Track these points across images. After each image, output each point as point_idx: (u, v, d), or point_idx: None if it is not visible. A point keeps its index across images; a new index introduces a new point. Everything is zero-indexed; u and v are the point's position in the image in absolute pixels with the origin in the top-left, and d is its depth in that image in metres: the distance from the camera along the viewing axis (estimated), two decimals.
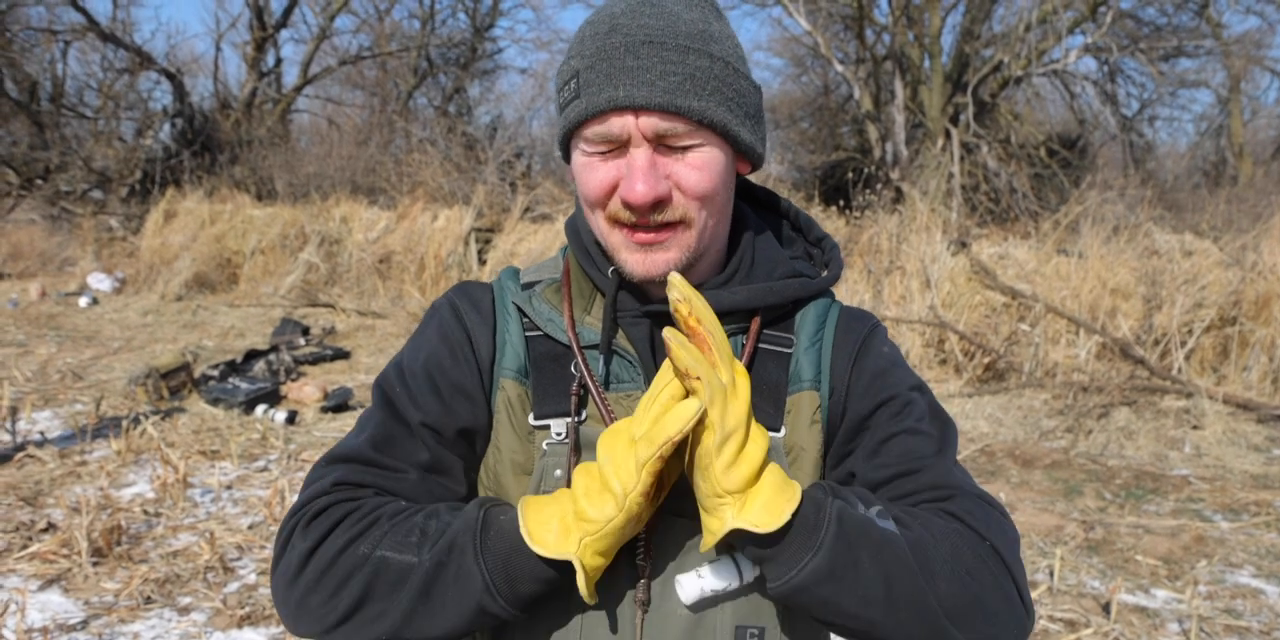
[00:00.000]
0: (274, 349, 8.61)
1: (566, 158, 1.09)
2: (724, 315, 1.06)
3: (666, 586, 1.02)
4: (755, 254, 1.11)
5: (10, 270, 14.13)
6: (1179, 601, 4.09)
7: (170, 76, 19.85)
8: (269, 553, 4.41)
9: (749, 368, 1.06)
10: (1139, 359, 7.44)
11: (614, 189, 0.99)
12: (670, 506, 1.00)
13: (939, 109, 17.24)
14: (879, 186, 13.02)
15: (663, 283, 0.96)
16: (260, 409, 7.01)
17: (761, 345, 1.08)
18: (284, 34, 25.10)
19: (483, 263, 11.27)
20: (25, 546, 4.36)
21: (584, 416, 1.04)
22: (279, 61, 22.96)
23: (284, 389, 7.49)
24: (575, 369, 1.05)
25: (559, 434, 1.03)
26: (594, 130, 0.98)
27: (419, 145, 16.36)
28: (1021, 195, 15.21)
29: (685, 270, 1.02)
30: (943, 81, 17.41)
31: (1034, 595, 4.03)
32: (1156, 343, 7.73)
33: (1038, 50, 16.44)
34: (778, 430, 1.05)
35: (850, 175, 14.81)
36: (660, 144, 0.98)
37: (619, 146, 0.98)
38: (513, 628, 1.04)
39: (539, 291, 1.12)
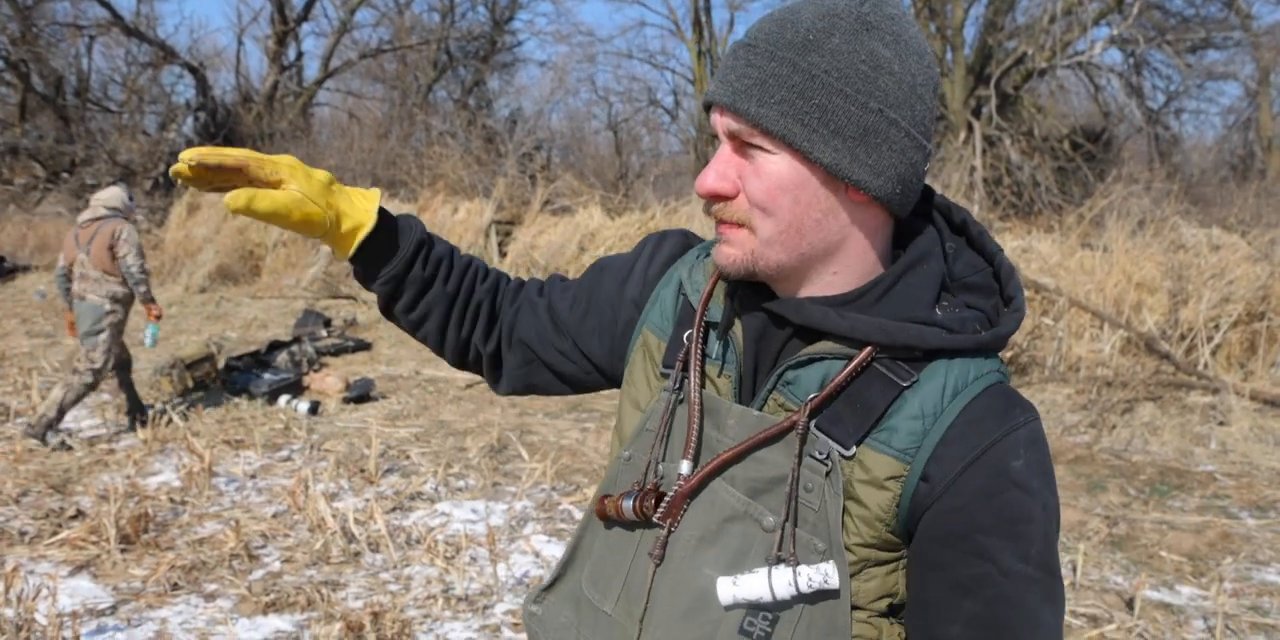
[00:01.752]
0: (296, 340, 8.67)
1: None
2: (817, 333, 1.03)
3: (702, 548, 1.05)
4: (896, 286, 1.03)
5: (38, 262, 14.29)
6: (1204, 598, 4.07)
7: (193, 70, 20.00)
8: (293, 540, 4.45)
9: (848, 382, 1.00)
10: (1164, 354, 7.38)
11: None
12: (715, 475, 1.05)
13: (961, 102, 17.12)
14: None
15: (757, 286, 1.05)
16: (283, 399, 7.06)
17: (875, 365, 1.01)
18: (305, 28, 25.19)
19: (503, 255, 11.30)
20: (55, 533, 4.42)
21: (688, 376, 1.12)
22: (300, 55, 23.09)
23: (306, 380, 7.55)
24: (687, 340, 1.12)
25: (674, 384, 1.12)
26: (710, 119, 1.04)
27: (439, 138, 16.40)
28: (1045, 188, 15.09)
29: (774, 281, 1.05)
30: (965, 74, 17.29)
31: None
32: (1182, 338, 7.66)
33: (1062, 42, 16.29)
34: (848, 449, 0.99)
35: None
36: (741, 145, 1.00)
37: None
38: (590, 543, 1.19)
39: (706, 263, 1.19)
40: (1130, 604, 3.95)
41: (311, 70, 23.57)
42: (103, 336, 5.98)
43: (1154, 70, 19.32)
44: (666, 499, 1.06)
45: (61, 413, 5.89)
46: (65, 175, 19.03)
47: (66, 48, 20.79)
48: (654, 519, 1.07)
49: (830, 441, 1.00)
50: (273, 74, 21.53)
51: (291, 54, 22.55)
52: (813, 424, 1.00)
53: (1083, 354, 7.65)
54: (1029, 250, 8.94)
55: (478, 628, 3.62)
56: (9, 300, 12.27)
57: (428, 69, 22.51)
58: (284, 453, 5.93)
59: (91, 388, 6.00)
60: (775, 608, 1.01)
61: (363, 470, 5.50)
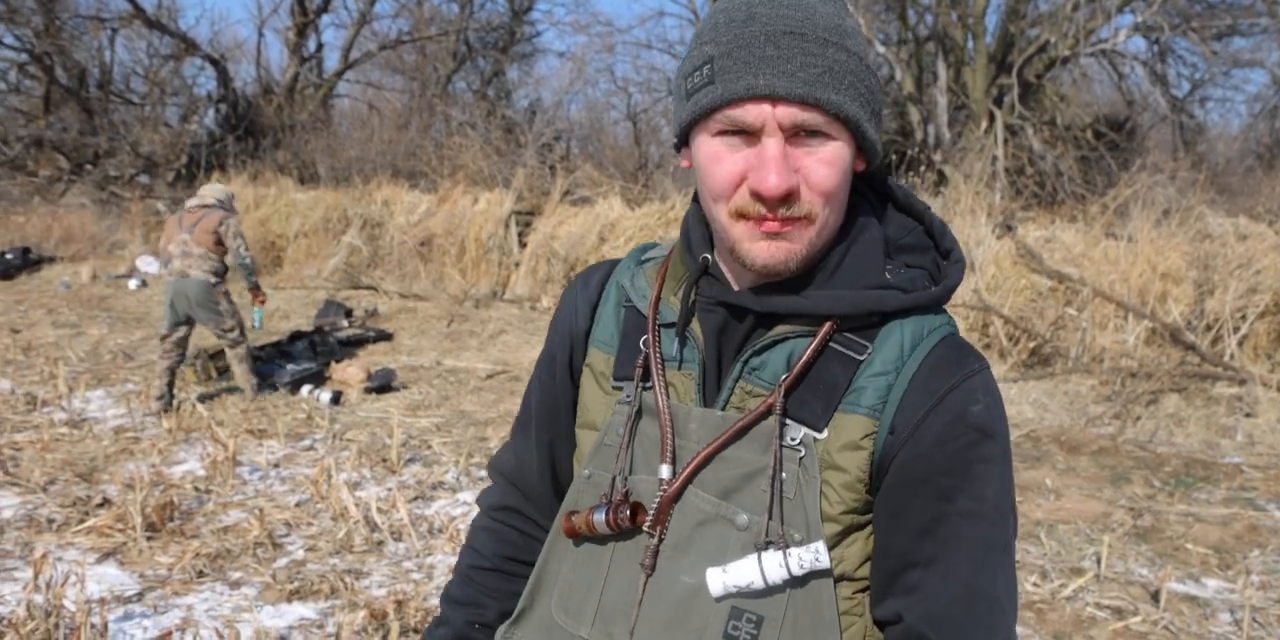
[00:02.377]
0: (318, 330, 8.72)
1: (678, 147, 1.09)
2: (793, 318, 1.04)
3: (677, 557, 1.06)
4: (848, 257, 1.05)
5: (63, 253, 14.41)
6: (1231, 591, 4.03)
7: (214, 62, 20.09)
8: (316, 529, 4.48)
9: (809, 366, 1.02)
10: (1190, 345, 7.31)
11: (741, 181, 0.98)
12: (693, 478, 1.05)
13: (983, 90, 16.96)
14: (922, 169, 12.87)
15: (764, 271, 1.02)
16: (305, 389, 7.11)
17: (832, 345, 1.03)
18: (325, 19, 25.26)
19: (523, 246, 11.31)
20: (83, 520, 4.47)
21: (650, 384, 1.11)
22: (320, 47, 23.15)
23: (328, 370, 7.59)
24: (644, 345, 1.12)
25: (627, 396, 1.12)
26: (726, 115, 0.97)
27: (458, 129, 16.42)
28: (1068, 178, 14.95)
29: (800, 270, 1.05)
30: (986, 62, 17.12)
31: (1080, 583, 4.00)
32: (1208, 328, 7.58)
33: (1085, 30, 16.10)
34: (820, 431, 1.01)
35: (893, 158, 14.64)
36: (793, 136, 0.97)
37: (748, 137, 0.97)
38: (556, 567, 1.17)
39: (645, 269, 1.19)
40: (1155, 596, 3.92)
41: (331, 62, 23.65)
42: (223, 307, 6.56)
43: (1179, 58, 19.08)
44: (653, 506, 1.06)
45: (258, 375, 6.93)
46: (89, 167, 19.18)
47: (89, 40, 20.90)
48: (644, 528, 1.07)
49: (801, 427, 1.01)
50: (293, 66, 21.59)
51: (311, 46, 22.62)
52: (784, 414, 1.02)
53: (1107, 345, 7.59)
54: (1052, 240, 8.86)
55: None
56: (35, 291, 12.38)
57: (447, 60, 22.52)
58: (306, 442, 5.96)
59: (248, 350, 6.86)
60: (765, 595, 1.01)
61: (384, 460, 5.53)
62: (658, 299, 1.13)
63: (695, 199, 1.15)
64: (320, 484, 4.83)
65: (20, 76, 21.19)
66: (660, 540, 1.07)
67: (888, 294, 1.03)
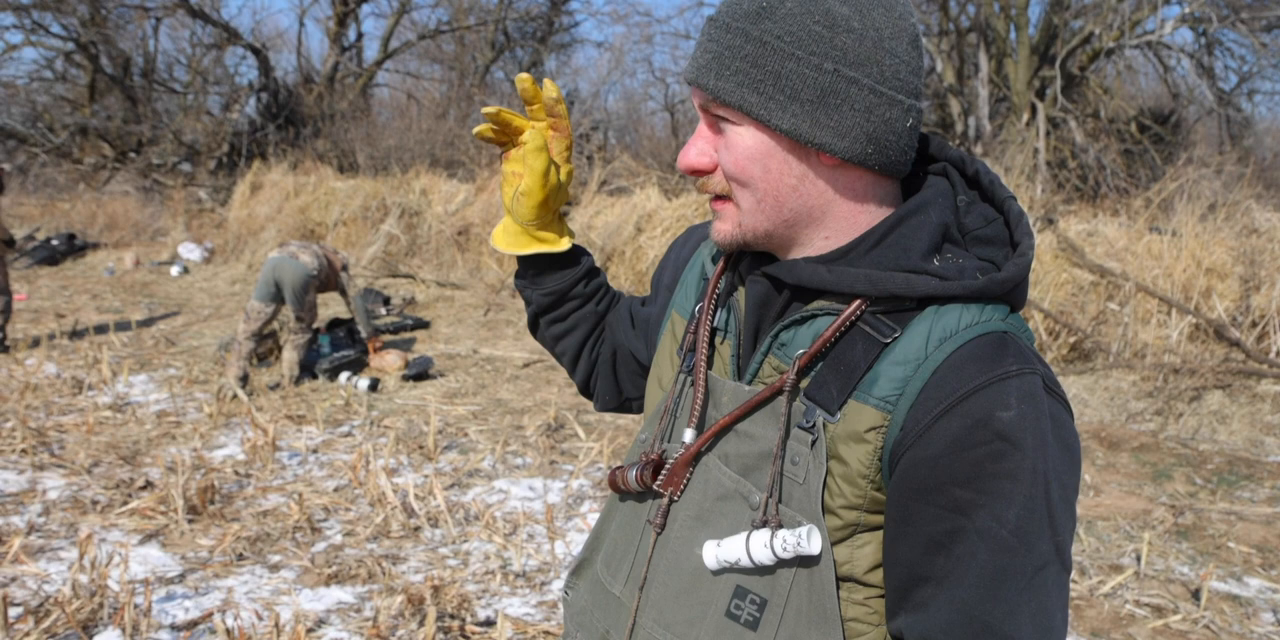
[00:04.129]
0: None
1: None
2: (813, 293, 1.01)
3: (697, 528, 1.06)
4: (888, 238, 0.99)
5: (107, 240, 14.64)
6: (1274, 591, 3.97)
7: (256, 52, 20.27)
8: (354, 514, 4.53)
9: (831, 344, 0.98)
10: (1234, 341, 7.18)
11: None
12: (712, 445, 1.07)
13: (1025, 82, 16.72)
14: None
15: (757, 256, 1.09)
16: (344, 376, 7.18)
17: (860, 324, 0.98)
18: (365, 9, 25.43)
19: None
20: (126, 502, 4.55)
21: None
22: (360, 36, 23.28)
23: (366, 357, 7.65)
24: (698, 312, 1.15)
25: (686, 365, 1.16)
26: None
27: None
28: (1110, 172, 14.72)
29: (770, 250, 1.07)
30: (1029, 54, 16.86)
31: (1119, 580, 3.95)
32: (1254, 325, 7.44)
33: (1131, 21, 15.81)
34: (833, 414, 0.96)
35: None
36: (714, 120, 1.02)
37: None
38: (607, 524, 1.23)
39: None
40: (1196, 595, 3.86)
41: (371, 51, 23.82)
42: (306, 298, 6.92)
43: (1226, 50, 18.65)
44: (666, 467, 1.08)
45: (301, 368, 7.16)
46: (132, 155, 19.46)
47: (134, 29, 21.18)
48: (655, 487, 1.09)
49: (816, 408, 0.98)
50: (333, 55, 21.74)
51: (352, 35, 22.75)
52: (801, 392, 1.00)
53: (1149, 340, 7.47)
54: (1095, 234, 8.73)
55: (535, 603, 3.66)
56: (79, 276, 12.60)
57: (485, 50, 22.56)
58: (344, 428, 6.03)
59: (312, 342, 7.29)
60: (769, 578, 0.99)
61: (421, 447, 5.57)
62: (723, 270, 1.15)
63: None
64: (358, 470, 4.88)
65: (66, 65, 21.56)
66: (671, 501, 1.08)
67: (917, 279, 0.96)
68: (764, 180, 0.99)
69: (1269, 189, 11.72)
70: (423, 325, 9.37)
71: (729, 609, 1.01)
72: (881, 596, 1.00)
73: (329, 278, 7.18)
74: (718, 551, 1.01)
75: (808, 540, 0.94)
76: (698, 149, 1.02)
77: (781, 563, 0.98)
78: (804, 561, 0.97)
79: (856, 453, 0.95)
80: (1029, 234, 1.02)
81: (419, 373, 7.34)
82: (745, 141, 0.98)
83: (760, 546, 0.97)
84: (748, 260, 1.10)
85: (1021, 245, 1.01)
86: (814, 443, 0.97)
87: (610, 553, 1.18)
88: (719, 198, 1.03)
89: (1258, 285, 7.58)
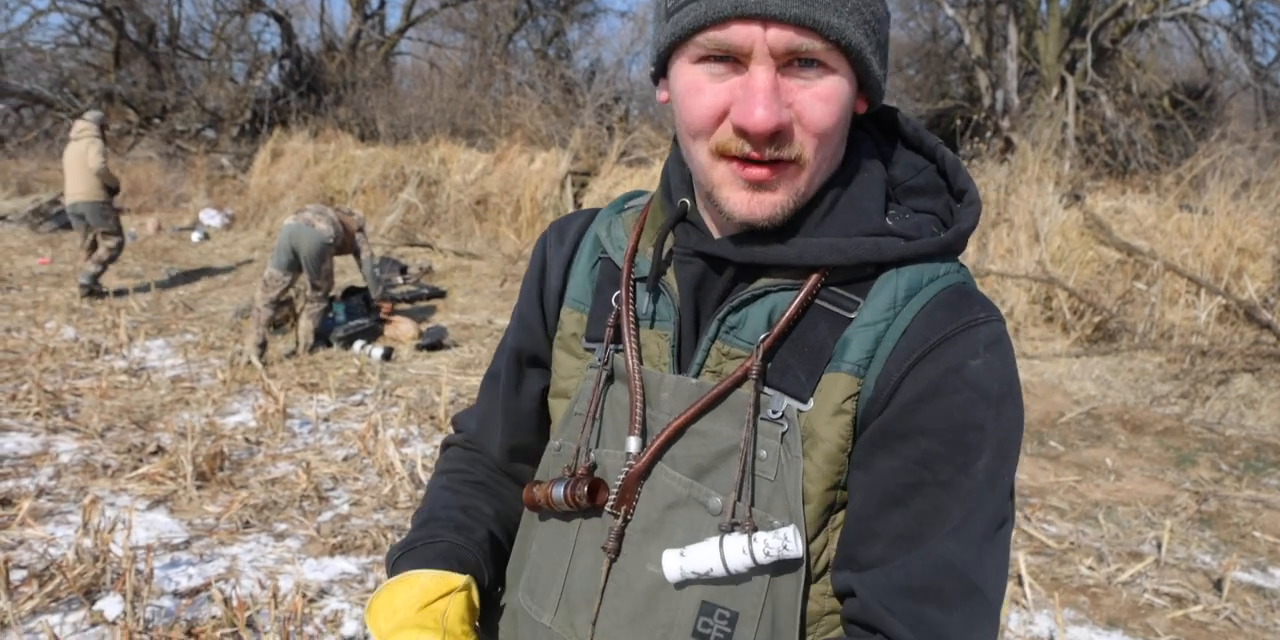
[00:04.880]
0: None
1: (657, 77, 0.96)
2: (775, 269, 0.92)
3: (645, 543, 0.94)
4: (842, 200, 0.92)
5: (130, 205, 14.66)
6: None
7: (279, 19, 20.17)
8: (362, 484, 4.51)
9: (793, 324, 0.90)
10: (1265, 323, 7.02)
11: (723, 115, 0.85)
12: (662, 454, 0.94)
13: (1055, 55, 16.38)
14: (988, 136, 12.50)
15: (743, 224, 0.90)
16: (358, 345, 7.15)
17: (818, 301, 0.91)
18: None
19: (578, 206, 11.23)
20: (136, 467, 4.54)
21: (621, 346, 0.99)
22: (383, 4, 23.15)
23: (381, 326, 7.62)
24: (616, 301, 1.01)
25: (599, 359, 1.01)
26: (710, 37, 0.83)
27: (518, 88, 16.31)
28: (1141, 147, 14.43)
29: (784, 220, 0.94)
30: (1060, 26, 16.51)
31: (1139, 568, 3.86)
32: None
33: None
34: (805, 401, 0.89)
35: (958, 123, 14.24)
36: (786, 65, 0.84)
37: (734, 64, 0.84)
38: (526, 546, 1.08)
39: (624, 217, 1.07)
40: (1219, 585, 3.77)
41: (394, 19, 23.65)
42: (324, 267, 6.93)
43: (1265, 23, 18.20)
44: (618, 483, 0.95)
45: (316, 336, 7.10)
46: (156, 121, 19.47)
47: None
48: (607, 509, 0.96)
49: (784, 396, 0.89)
50: (355, 23, 21.61)
51: (374, 3, 22.60)
52: (762, 382, 0.90)
53: (1177, 321, 7.32)
54: (1122, 211, 8.55)
55: None
56: None
57: (508, 18, 22.35)
58: (357, 397, 6.00)
59: (327, 310, 7.26)
60: (738, 587, 0.89)
61: (433, 417, 5.54)
62: (634, 250, 1.01)
63: (676, 141, 1.03)
64: (368, 439, 4.85)
65: (92, 31, 21.54)
66: (625, 521, 0.96)
67: (885, 242, 0.89)
68: (840, 135, 0.89)
69: None
70: (439, 294, 9.34)
71: (695, 628, 0.90)
72: None
73: (345, 242, 7.15)
74: (682, 562, 0.89)
75: (793, 542, 0.86)
76: (777, 104, 0.82)
77: (756, 569, 0.88)
78: (780, 566, 0.88)
79: (835, 426, 0.88)
80: (970, 180, 0.96)
81: (433, 342, 7.30)
82: (844, 91, 0.86)
83: (737, 553, 0.87)
84: (676, 237, 0.97)
85: (969, 193, 0.96)
86: (784, 435, 0.89)
87: (533, 578, 1.04)
88: (774, 164, 0.86)
89: None
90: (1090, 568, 3.90)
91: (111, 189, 8.90)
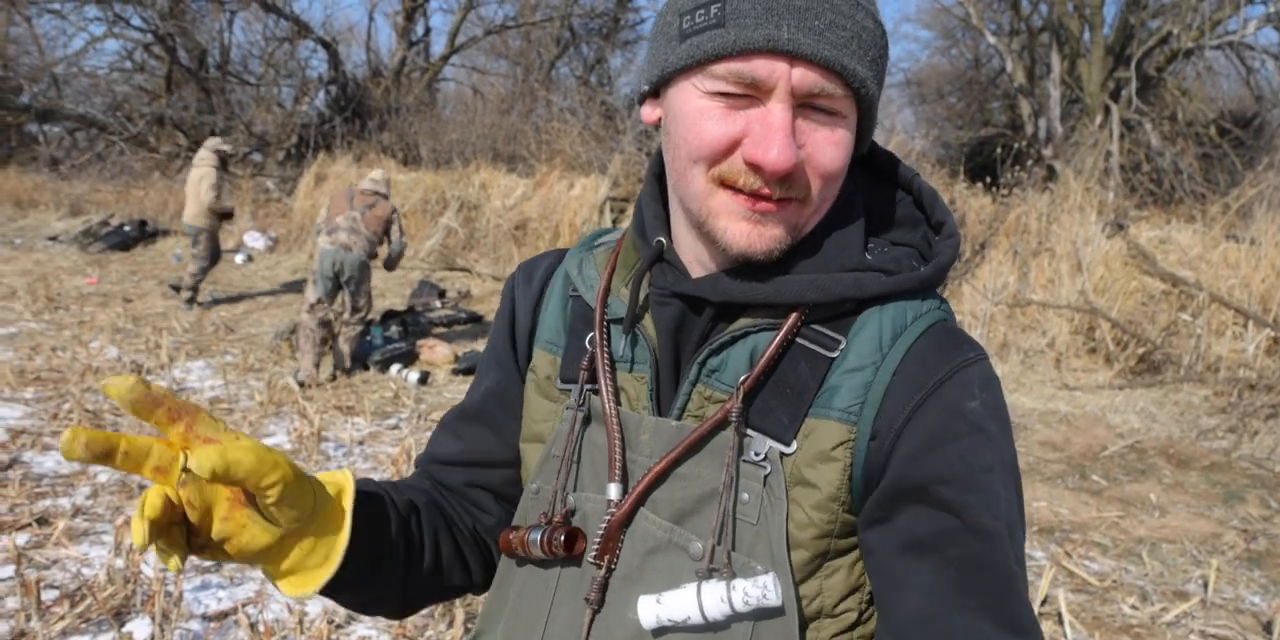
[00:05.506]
0: (411, 310, 8.83)
1: (644, 96, 0.93)
2: (754, 308, 0.90)
3: (625, 590, 0.91)
4: (822, 237, 0.91)
5: (177, 227, 14.96)
6: None
7: (326, 45, 20.59)
8: None
9: (775, 363, 0.88)
10: None
11: (734, 145, 0.83)
12: (644, 499, 0.91)
13: (1098, 84, 16.26)
14: (1030, 164, 12.39)
15: (738, 257, 0.87)
16: (395, 368, 7.20)
17: (799, 340, 0.89)
18: (433, 4, 25.73)
19: None
20: None
21: (597, 387, 0.96)
22: (428, 31, 23.54)
23: (418, 349, 7.67)
24: (590, 344, 0.98)
25: (574, 400, 0.98)
26: (730, 68, 0.81)
27: (559, 115, 16.47)
28: (1187, 176, 14.22)
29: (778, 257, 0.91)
30: (1104, 54, 16.41)
31: (1184, 608, 3.75)
32: None
33: (1212, 21, 15.27)
34: (788, 444, 0.86)
35: (999, 151, 14.14)
36: (802, 106, 0.82)
37: (750, 96, 0.82)
38: (505, 592, 1.02)
39: (595, 254, 1.04)
40: (1268, 627, 3.65)
41: (438, 46, 24.04)
42: (366, 286, 7.08)
43: None
44: (599, 531, 0.91)
45: (354, 359, 7.24)
46: None
47: (209, 22, 21.69)
48: (589, 560, 0.92)
49: (766, 439, 0.87)
50: (401, 49, 22.00)
51: (419, 30, 23.01)
52: (744, 423, 0.87)
53: (1224, 353, 7.16)
54: (1167, 241, 8.42)
55: None
56: (149, 262, 12.89)
57: (551, 46, 22.64)
58: (392, 421, 6.03)
59: (365, 333, 7.41)
60: (710, 631, 0.85)
61: None
62: (606, 290, 0.98)
63: (650, 177, 1.01)
64: (401, 464, 4.86)
65: (145, 56, 22.15)
66: (609, 571, 0.92)
67: (866, 277, 0.88)
68: (843, 176, 0.89)
69: None
70: (476, 319, 9.39)
71: None
72: (851, 629, 0.90)
73: (382, 238, 7.19)
74: (658, 610, 0.86)
75: (773, 591, 0.83)
76: (792, 146, 0.81)
77: (735, 617, 0.85)
78: (762, 612, 0.85)
79: (826, 474, 0.86)
80: (949, 213, 0.95)
81: (469, 367, 7.33)
82: (847, 136, 0.86)
83: (716, 601, 0.84)
84: (652, 277, 0.94)
85: (947, 225, 0.94)
86: (767, 478, 0.86)
87: (512, 625, 1.00)
88: (784, 200, 0.85)
89: None
90: (1134, 607, 3.79)
91: (222, 215, 9.47)
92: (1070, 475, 5.46)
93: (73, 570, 3.58)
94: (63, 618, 3.13)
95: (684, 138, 0.85)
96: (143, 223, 14.70)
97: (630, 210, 11.42)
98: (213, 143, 9.44)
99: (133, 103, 21.07)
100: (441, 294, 10.03)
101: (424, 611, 3.30)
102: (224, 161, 9.52)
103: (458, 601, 3.32)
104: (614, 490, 0.92)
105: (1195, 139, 15.81)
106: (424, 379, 6.99)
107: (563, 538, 0.93)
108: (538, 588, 0.98)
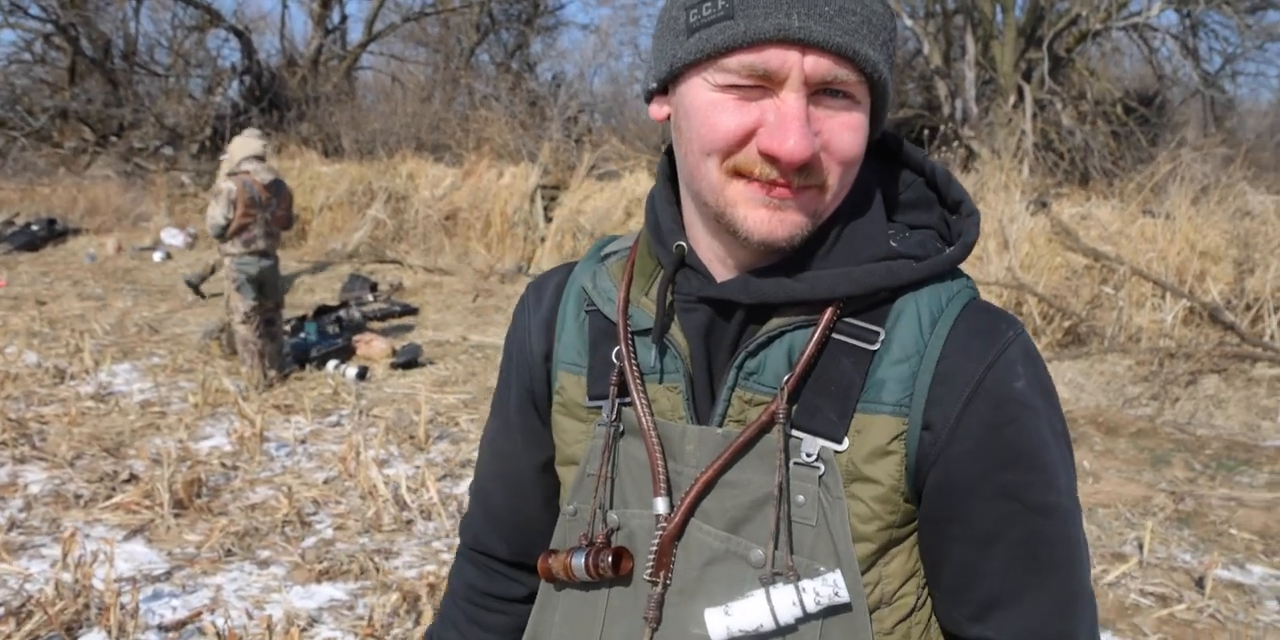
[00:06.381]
0: (344, 305, 8.68)
1: (652, 94, 0.92)
2: (787, 307, 0.88)
3: (684, 604, 0.90)
4: (847, 227, 0.90)
5: (88, 225, 14.43)
6: (1277, 578, 3.93)
7: (238, 34, 19.97)
8: (345, 507, 4.45)
9: (814, 362, 0.87)
10: (1229, 324, 7.15)
11: (748, 136, 0.82)
12: (694, 510, 0.90)
13: (1011, 65, 16.62)
14: (954, 144, 12.65)
15: (761, 245, 0.85)
16: (331, 364, 7.07)
17: (836, 336, 0.88)
18: None
19: (549, 220, 11.21)
20: (109, 497, 4.45)
21: (629, 399, 0.94)
22: (344, 18, 22.99)
23: (354, 344, 7.55)
24: (617, 358, 0.95)
25: (607, 416, 0.95)
26: (742, 61, 0.80)
27: (483, 102, 16.28)
28: (1098, 154, 14.68)
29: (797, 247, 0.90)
30: (1015, 36, 16.77)
31: (1123, 569, 3.90)
32: (1248, 308, 7.40)
33: (1117, 3, 15.75)
34: (839, 441, 0.86)
35: (925, 133, 14.41)
36: (813, 93, 0.81)
37: (758, 89, 0.81)
38: (549, 616, 1.02)
39: (608, 265, 1.01)
40: (1200, 583, 3.82)
41: (355, 34, 23.52)
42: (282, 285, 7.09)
43: (1211, 32, 18.59)
44: (652, 548, 0.90)
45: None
46: (113, 138, 19.19)
47: (114, 11, 20.86)
48: (645, 577, 0.91)
49: (816, 438, 0.87)
50: (317, 37, 21.46)
51: (336, 17, 22.45)
52: (790, 425, 0.87)
53: (1144, 324, 7.44)
54: (1088, 217, 8.69)
55: None
56: (60, 263, 12.42)
57: (470, 32, 22.31)
58: (333, 418, 5.93)
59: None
60: (779, 636, 0.86)
61: (412, 437, 5.48)
62: (626, 301, 0.95)
63: (662, 179, 0.99)
64: (348, 461, 4.80)
65: (45, 47, 21.20)
66: (665, 587, 0.90)
67: (898, 265, 0.87)
68: (860, 162, 0.88)
69: (1258, 171, 11.69)
70: (411, 311, 9.27)
71: None
72: (906, 619, 0.91)
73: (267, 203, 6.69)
74: (728, 622, 0.85)
75: (843, 588, 0.84)
76: (809, 135, 0.80)
77: (804, 618, 0.86)
78: (829, 611, 0.86)
79: (885, 467, 0.86)
80: (964, 191, 0.95)
81: (408, 360, 7.24)
82: (864, 123, 0.85)
83: (787, 605, 0.84)
84: (664, 285, 0.92)
85: (965, 204, 0.94)
86: (821, 477, 0.86)
87: None
88: (803, 188, 0.84)
89: (1251, 268, 7.55)
90: None
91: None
92: None
93: (14, 587, 3.46)
94: (9, 636, 3.03)
95: (697, 131, 0.84)
96: (51, 221, 14.14)
97: (560, 198, 11.36)
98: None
99: (33, 96, 20.18)
100: (373, 287, 9.88)
101: (389, 609, 3.27)
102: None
103: (425, 597, 3.30)
104: (661, 504, 0.90)
105: (1104, 117, 16.29)
106: (363, 374, 6.88)
107: (610, 559, 0.91)
108: (585, 611, 0.96)
